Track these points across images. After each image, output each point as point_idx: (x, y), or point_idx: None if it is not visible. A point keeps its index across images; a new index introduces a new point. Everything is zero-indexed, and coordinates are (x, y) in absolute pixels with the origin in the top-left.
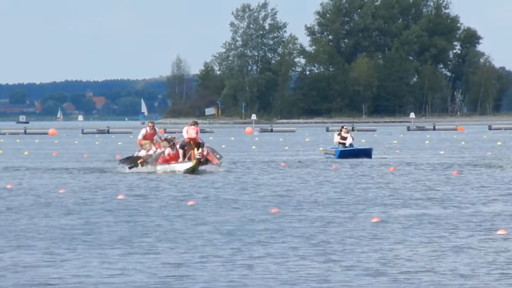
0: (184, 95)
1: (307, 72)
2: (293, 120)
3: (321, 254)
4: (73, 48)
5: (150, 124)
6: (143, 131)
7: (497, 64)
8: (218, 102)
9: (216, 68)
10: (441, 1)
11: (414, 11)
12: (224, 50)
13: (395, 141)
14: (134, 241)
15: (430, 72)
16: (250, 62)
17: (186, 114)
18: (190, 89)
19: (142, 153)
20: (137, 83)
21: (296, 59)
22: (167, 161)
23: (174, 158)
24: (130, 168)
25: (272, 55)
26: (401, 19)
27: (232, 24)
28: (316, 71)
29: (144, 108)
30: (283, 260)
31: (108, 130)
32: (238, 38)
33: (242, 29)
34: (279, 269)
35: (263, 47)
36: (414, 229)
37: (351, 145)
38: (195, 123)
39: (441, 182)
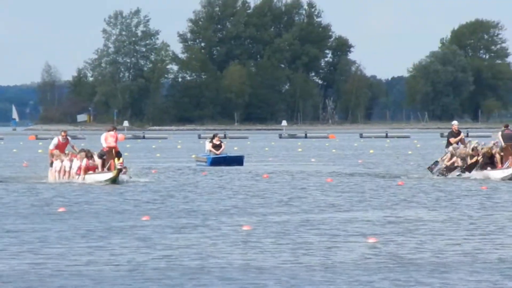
0: (56, 102)
1: (180, 79)
2: (165, 127)
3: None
4: None
5: (62, 133)
6: (54, 141)
7: (368, 72)
8: (90, 108)
9: (89, 74)
10: (313, 10)
11: (286, 19)
12: (96, 56)
13: (266, 149)
14: None
15: (302, 80)
16: (122, 69)
17: (58, 120)
18: (62, 95)
19: (58, 164)
20: (8, 89)
21: (169, 66)
22: (85, 172)
23: (93, 169)
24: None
25: (145, 62)
26: (273, 27)
27: (104, 31)
28: (189, 78)
29: (15, 115)
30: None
31: None
32: (111, 45)
33: (115, 36)
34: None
35: (135, 54)
36: (284, 235)
37: (222, 152)
38: (114, 129)
39: (313, 189)
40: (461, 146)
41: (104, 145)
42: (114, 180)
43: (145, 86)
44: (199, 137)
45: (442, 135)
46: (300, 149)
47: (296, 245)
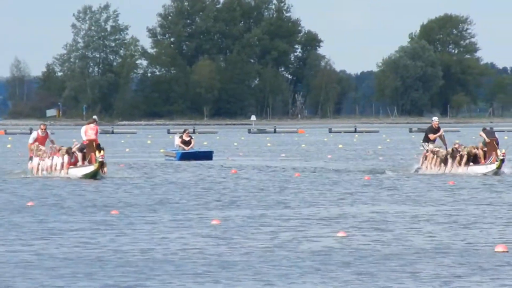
0: (25, 97)
1: (149, 74)
2: (134, 122)
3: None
4: None
5: (42, 126)
6: (34, 134)
7: (338, 67)
8: (59, 103)
9: (58, 69)
10: (282, 5)
11: (255, 14)
12: (65, 51)
13: (235, 144)
14: None
15: (271, 75)
16: (92, 64)
17: (27, 115)
18: (31, 90)
19: (36, 160)
20: None
21: (138, 61)
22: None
23: (74, 164)
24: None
25: (114, 57)
26: (242, 22)
27: (73, 26)
28: (158, 73)
29: None
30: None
31: None
32: (80, 40)
33: (84, 31)
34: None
35: (104, 49)
36: (252, 229)
37: (191, 147)
38: (95, 121)
39: (282, 184)
40: (439, 146)
41: (84, 138)
42: (96, 174)
43: (114, 81)
44: (168, 132)
45: (411, 130)
46: (269, 144)
47: (265, 240)
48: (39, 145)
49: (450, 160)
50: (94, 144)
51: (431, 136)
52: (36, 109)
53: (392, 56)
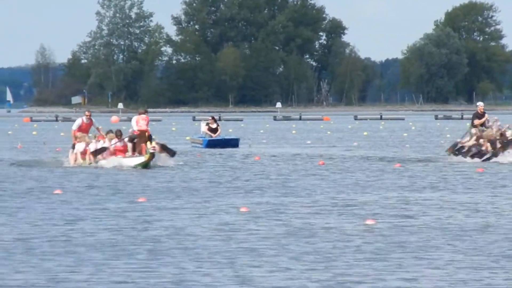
0: (50, 84)
1: (174, 62)
2: (159, 109)
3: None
4: None
5: (86, 113)
6: (78, 121)
7: (362, 55)
8: (84, 91)
9: (82, 57)
10: None
11: (280, 1)
12: (90, 39)
13: (261, 131)
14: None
15: (296, 63)
16: (116, 51)
17: (52, 102)
18: (56, 77)
19: (81, 146)
20: (2, 71)
21: (163, 49)
22: (112, 154)
23: (122, 152)
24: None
25: (139, 44)
26: (267, 9)
27: (98, 13)
28: (183, 60)
29: (9, 97)
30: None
31: None
32: (104, 27)
33: (108, 18)
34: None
35: (129, 36)
36: (277, 217)
37: (218, 135)
38: (145, 112)
39: (307, 172)
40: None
41: (135, 128)
42: (146, 165)
43: (139, 68)
44: (194, 119)
45: (436, 117)
46: (294, 131)
47: (291, 227)
48: (83, 133)
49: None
50: (146, 134)
51: (476, 121)
52: (61, 96)
53: (417, 43)
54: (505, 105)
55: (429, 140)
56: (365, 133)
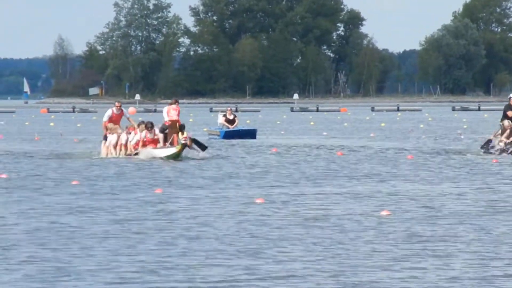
0: (67, 75)
1: (191, 53)
2: None
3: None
4: None
5: (117, 104)
6: (108, 112)
7: (380, 46)
8: (102, 82)
9: (100, 48)
10: None
11: None
12: (107, 30)
13: (278, 122)
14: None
15: (314, 54)
16: (134, 42)
17: (70, 93)
18: (74, 68)
19: (113, 137)
20: (20, 62)
21: (180, 40)
22: (144, 146)
23: (153, 143)
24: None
25: (156, 35)
26: (285, 0)
27: (116, 4)
28: (200, 51)
29: (26, 88)
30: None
31: None
32: (122, 18)
33: (126, 9)
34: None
35: (147, 27)
36: (296, 207)
37: (235, 126)
38: (176, 102)
39: (324, 163)
40: None
41: (167, 118)
42: (178, 156)
43: (157, 59)
44: (211, 111)
45: (453, 109)
46: (312, 123)
47: (308, 218)
48: (114, 124)
49: None
50: (177, 125)
51: (509, 113)
52: (79, 87)
53: (435, 34)
54: None
55: (445, 132)
56: (382, 124)
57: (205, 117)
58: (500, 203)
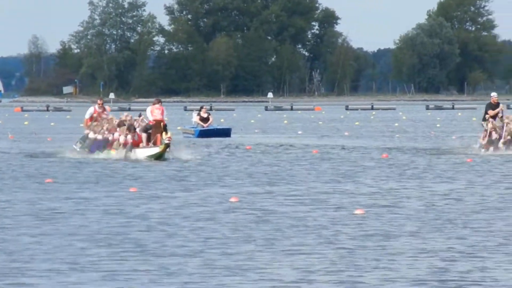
0: (42, 73)
1: (166, 51)
2: (151, 99)
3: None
4: None
5: (99, 102)
6: (90, 110)
7: (355, 44)
8: (76, 80)
9: (74, 46)
10: None
11: None
12: (82, 29)
13: (253, 121)
14: None
15: (289, 52)
16: (109, 41)
17: (44, 92)
18: (48, 67)
19: (94, 136)
20: None
21: (155, 38)
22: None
23: (136, 144)
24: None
25: (131, 34)
26: None
27: (90, 3)
28: (175, 50)
29: (0, 86)
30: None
31: None
32: (97, 17)
33: (101, 8)
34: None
35: (121, 25)
36: (273, 206)
37: (210, 125)
38: (159, 102)
39: (298, 161)
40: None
41: (150, 118)
42: (160, 156)
43: (131, 58)
44: (185, 109)
45: (427, 107)
46: (286, 121)
47: (282, 216)
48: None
49: None
50: (161, 124)
51: (490, 112)
52: (53, 86)
53: (409, 33)
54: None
55: (419, 131)
56: (356, 123)
57: (179, 116)
58: (474, 200)
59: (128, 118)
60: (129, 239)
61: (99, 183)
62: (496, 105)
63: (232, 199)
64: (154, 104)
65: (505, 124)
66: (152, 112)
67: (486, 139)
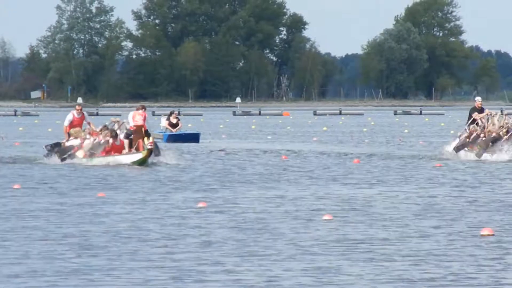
0: (9, 78)
1: (134, 56)
2: (119, 104)
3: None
4: None
5: (77, 107)
6: (69, 116)
7: (323, 50)
8: (43, 85)
9: (42, 51)
10: None
11: None
12: (50, 33)
13: (221, 126)
14: None
15: (257, 57)
16: (76, 46)
17: (11, 97)
18: (16, 72)
19: (76, 142)
20: None
21: (123, 43)
22: (108, 153)
23: (118, 149)
24: (62, 160)
25: (99, 38)
26: (228, 4)
27: (58, 7)
28: (143, 55)
29: None
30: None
31: None
32: (64, 21)
33: (69, 12)
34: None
35: (89, 30)
36: (234, 212)
37: (178, 129)
38: (143, 108)
39: (268, 166)
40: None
41: (132, 124)
42: (144, 161)
43: (99, 62)
44: (153, 114)
45: (395, 113)
46: (254, 126)
47: (251, 222)
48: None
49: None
50: (142, 130)
51: (475, 115)
52: (21, 90)
53: (377, 38)
54: (464, 100)
55: (387, 136)
56: (324, 128)
57: (147, 120)
58: (437, 206)
59: (121, 122)
60: (94, 245)
61: (68, 187)
62: (481, 110)
63: (200, 204)
64: (137, 109)
65: (489, 119)
66: (134, 117)
67: (471, 139)
